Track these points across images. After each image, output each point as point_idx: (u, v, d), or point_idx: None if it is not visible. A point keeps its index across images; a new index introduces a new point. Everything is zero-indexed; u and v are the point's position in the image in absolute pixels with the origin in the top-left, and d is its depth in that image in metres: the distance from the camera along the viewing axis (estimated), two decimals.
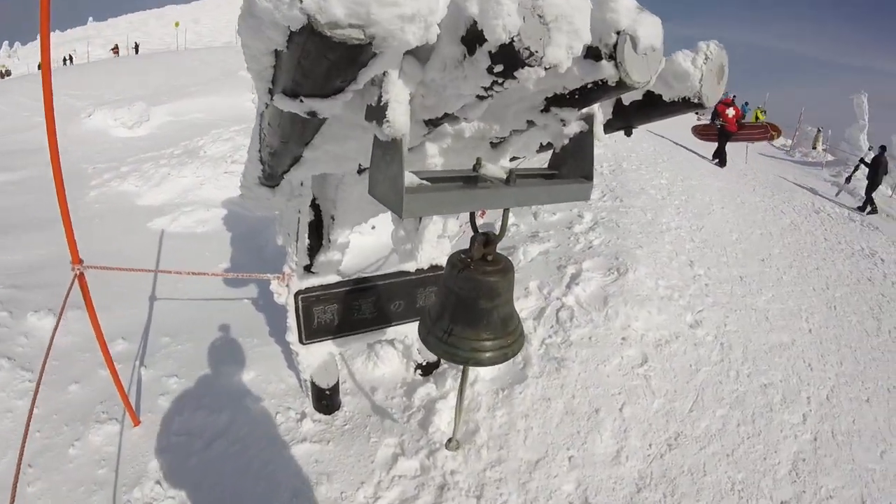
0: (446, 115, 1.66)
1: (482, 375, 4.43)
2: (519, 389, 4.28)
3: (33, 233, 7.57)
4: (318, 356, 3.80)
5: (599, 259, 6.06)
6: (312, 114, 1.32)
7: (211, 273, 4.65)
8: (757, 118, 23.28)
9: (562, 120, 1.74)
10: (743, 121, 16.06)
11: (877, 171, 13.24)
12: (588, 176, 1.74)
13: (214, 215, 8.89)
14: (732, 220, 8.79)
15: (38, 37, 2.76)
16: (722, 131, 14.69)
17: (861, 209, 12.94)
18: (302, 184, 3.07)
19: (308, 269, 3.58)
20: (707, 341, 5.09)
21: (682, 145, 16.18)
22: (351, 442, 3.81)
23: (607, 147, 11.76)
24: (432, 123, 1.85)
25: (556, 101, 1.68)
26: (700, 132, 17.53)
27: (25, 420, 3.09)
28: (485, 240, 1.71)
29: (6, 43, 50.31)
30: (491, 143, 2.30)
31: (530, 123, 1.99)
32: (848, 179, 14.38)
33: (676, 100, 1.86)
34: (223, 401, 4.17)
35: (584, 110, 1.79)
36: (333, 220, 3.40)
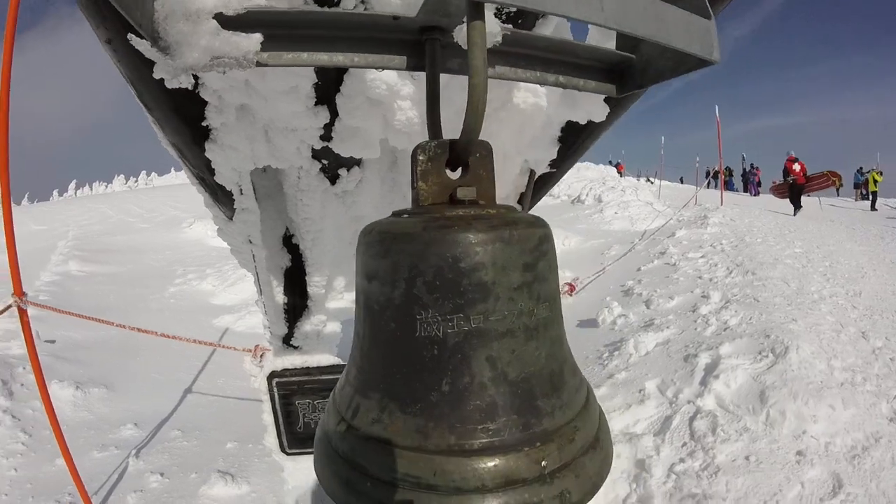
0: None
1: None
2: None
3: (103, 314, 7.68)
4: (309, 476, 2.51)
5: (743, 341, 4.58)
6: None
7: (160, 334, 4.30)
8: (875, 181, 23.55)
9: None
10: (808, 174, 19.08)
11: None
12: (704, 12, 0.74)
13: None
14: (892, 281, 7.43)
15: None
16: (792, 185, 17.36)
17: None
18: (242, 191, 1.94)
19: (287, 341, 2.37)
20: None
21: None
22: None
23: (723, 225, 11.18)
24: None
25: None
26: (776, 191, 20.93)
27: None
28: (446, 149, 0.69)
29: (144, 172, 57.51)
30: None
31: None
32: None
33: None
34: None
35: None
36: (307, 262, 2.23)
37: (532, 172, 1.98)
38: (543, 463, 0.58)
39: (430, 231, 0.59)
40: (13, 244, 2.99)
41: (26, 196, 38.67)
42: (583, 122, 1.58)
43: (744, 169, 31.54)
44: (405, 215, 0.65)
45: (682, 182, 30.75)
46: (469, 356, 0.57)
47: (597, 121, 1.55)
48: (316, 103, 1.53)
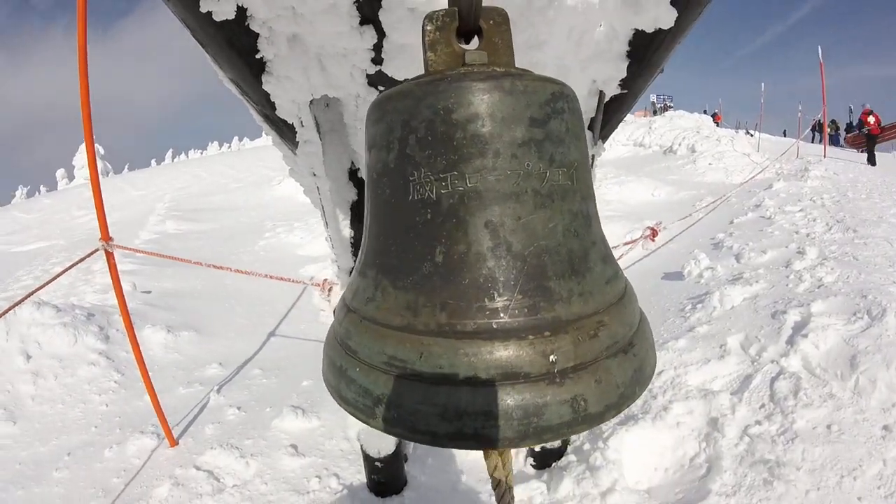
0: None
1: (615, 479, 2.82)
2: None
3: (195, 269, 8.19)
4: None
5: (837, 300, 4.14)
6: None
7: (234, 269, 4.37)
8: None
9: None
10: (882, 125, 19.16)
11: None
12: None
13: None
14: None
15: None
16: (868, 136, 17.80)
17: None
18: (302, 123, 1.98)
19: None
20: None
21: None
22: None
23: (825, 179, 10.68)
24: None
25: None
26: (851, 142, 22.70)
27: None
28: (455, 17, 0.61)
29: (236, 138, 59.91)
30: None
31: None
32: None
33: None
34: (262, 446, 3.70)
35: None
36: None
37: (601, 94, 1.83)
38: (553, 357, 0.49)
39: (422, 86, 0.52)
40: (99, 193, 3.18)
41: (126, 167, 41.85)
42: (650, 29, 1.41)
43: (850, 123, 28.65)
44: (428, 79, 0.58)
45: (784, 135, 28.64)
46: (465, 221, 0.49)
47: (665, 27, 1.38)
48: (361, 23, 1.51)
